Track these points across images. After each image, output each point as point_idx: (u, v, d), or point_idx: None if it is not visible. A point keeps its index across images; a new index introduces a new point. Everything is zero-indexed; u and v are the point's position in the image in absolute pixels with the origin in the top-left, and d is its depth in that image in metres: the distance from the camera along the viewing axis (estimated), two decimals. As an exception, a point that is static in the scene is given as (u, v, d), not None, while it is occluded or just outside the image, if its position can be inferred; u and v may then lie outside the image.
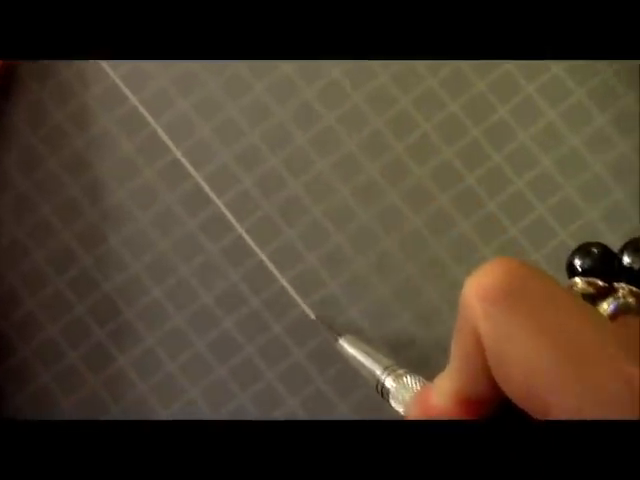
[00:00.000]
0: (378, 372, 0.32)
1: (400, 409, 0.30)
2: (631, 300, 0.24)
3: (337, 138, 0.46)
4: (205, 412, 0.42)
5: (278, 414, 0.41)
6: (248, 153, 0.46)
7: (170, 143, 0.47)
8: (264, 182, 0.45)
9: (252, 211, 0.46)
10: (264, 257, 0.44)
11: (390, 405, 0.31)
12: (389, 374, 0.32)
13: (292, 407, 0.41)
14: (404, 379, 0.31)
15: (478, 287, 0.23)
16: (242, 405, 0.42)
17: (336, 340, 0.37)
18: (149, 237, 0.44)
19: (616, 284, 0.25)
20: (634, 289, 0.24)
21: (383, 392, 0.32)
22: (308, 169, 0.46)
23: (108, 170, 0.44)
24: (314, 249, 0.43)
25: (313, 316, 0.41)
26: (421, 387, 0.30)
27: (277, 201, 0.46)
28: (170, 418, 0.42)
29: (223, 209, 0.46)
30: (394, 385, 0.31)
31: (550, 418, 0.23)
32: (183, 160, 0.47)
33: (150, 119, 0.46)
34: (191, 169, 0.47)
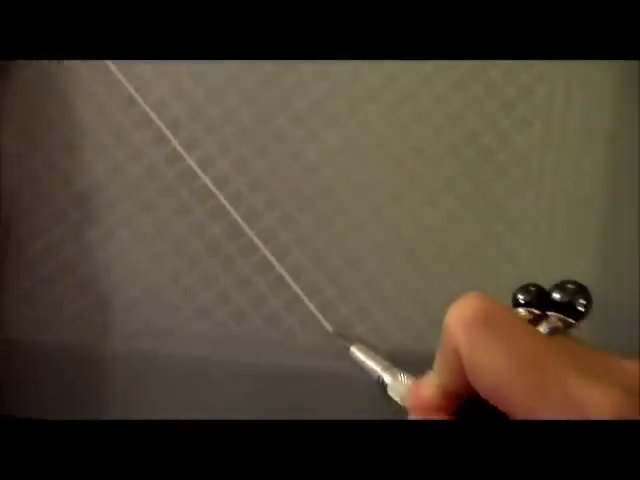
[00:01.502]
0: (379, 370, 0.43)
1: (397, 398, 0.40)
2: (559, 324, 0.33)
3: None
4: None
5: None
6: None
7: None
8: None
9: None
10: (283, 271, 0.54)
11: (389, 395, 0.40)
12: (387, 372, 0.42)
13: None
14: (399, 376, 0.41)
15: (459, 317, 0.32)
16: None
17: (348, 348, 0.48)
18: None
19: (548, 313, 0.34)
20: (561, 316, 0.33)
21: (383, 386, 0.41)
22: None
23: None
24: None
25: (330, 329, 0.53)
26: (412, 382, 0.39)
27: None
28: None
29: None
30: (391, 380, 0.41)
31: (512, 413, 0.30)
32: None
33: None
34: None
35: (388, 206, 0.57)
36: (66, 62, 0.58)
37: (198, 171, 0.56)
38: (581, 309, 0.33)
